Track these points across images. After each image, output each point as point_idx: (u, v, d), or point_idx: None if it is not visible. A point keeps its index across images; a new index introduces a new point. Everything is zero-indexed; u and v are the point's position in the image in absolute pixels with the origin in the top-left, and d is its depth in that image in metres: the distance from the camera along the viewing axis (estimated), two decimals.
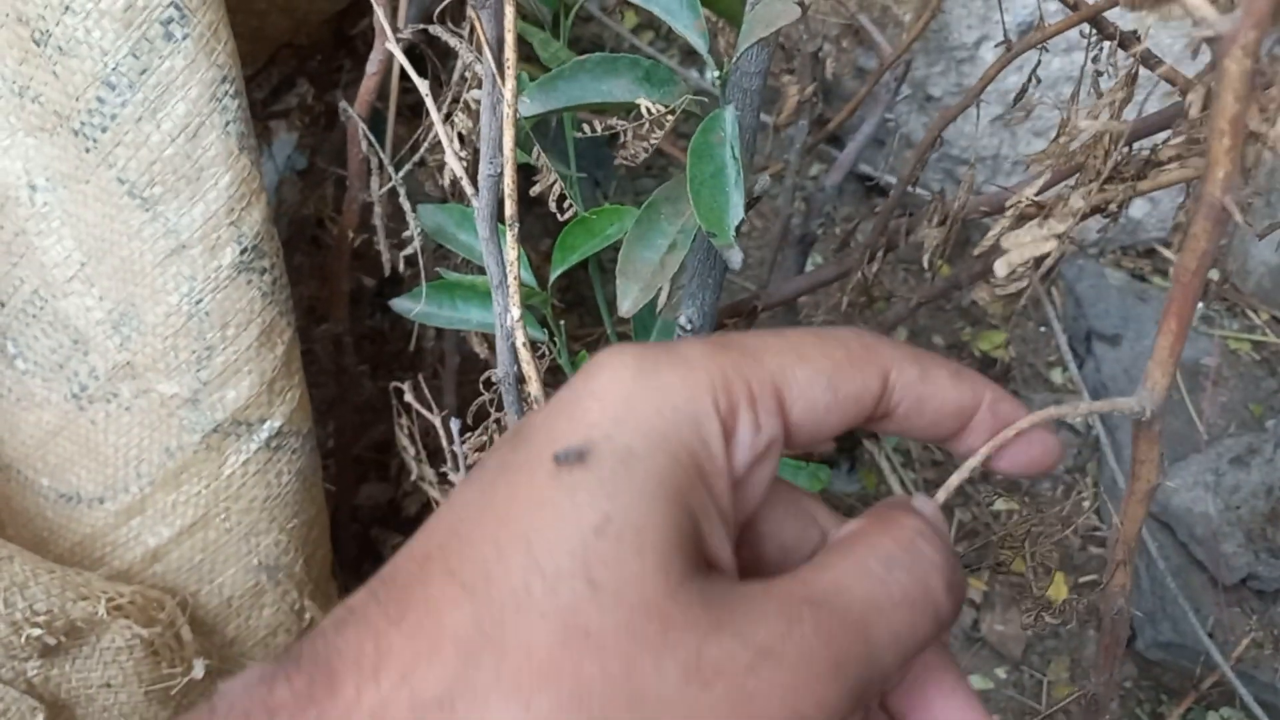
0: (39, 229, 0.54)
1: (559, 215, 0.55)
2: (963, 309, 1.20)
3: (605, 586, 0.25)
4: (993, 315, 1.20)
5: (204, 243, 0.53)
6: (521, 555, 0.25)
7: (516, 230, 0.45)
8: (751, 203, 0.52)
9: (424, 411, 0.65)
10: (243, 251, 0.54)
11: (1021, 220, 0.52)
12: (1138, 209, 1.20)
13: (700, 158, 0.45)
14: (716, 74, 0.47)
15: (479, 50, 0.44)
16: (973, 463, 0.31)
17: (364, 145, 0.69)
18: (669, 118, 0.46)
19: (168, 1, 0.49)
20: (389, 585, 0.26)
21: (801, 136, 0.86)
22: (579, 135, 0.52)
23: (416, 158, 0.66)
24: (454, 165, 0.49)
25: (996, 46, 0.62)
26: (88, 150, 0.51)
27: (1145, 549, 0.95)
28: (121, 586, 0.55)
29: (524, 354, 0.46)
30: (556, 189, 0.54)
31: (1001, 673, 0.99)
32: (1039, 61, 0.63)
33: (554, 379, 0.58)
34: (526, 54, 0.60)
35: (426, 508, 0.80)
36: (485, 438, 0.60)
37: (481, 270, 0.58)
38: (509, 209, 0.44)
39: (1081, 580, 1.02)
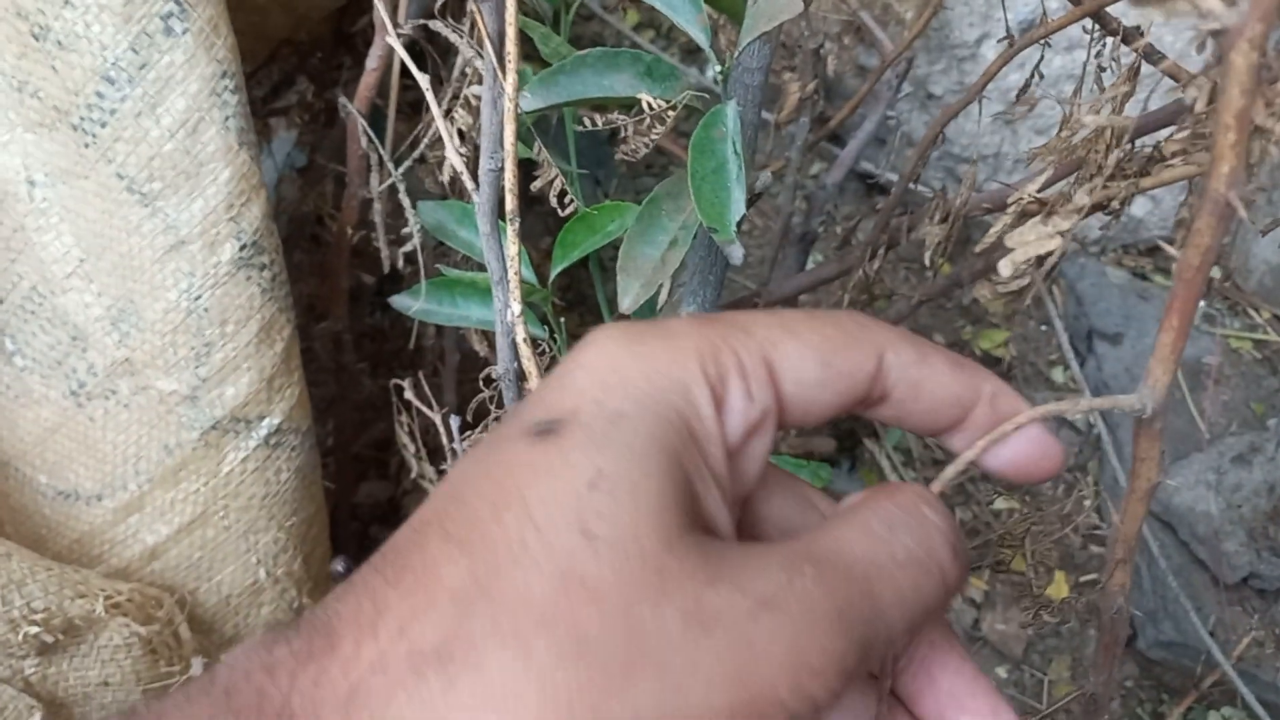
0: (38, 225, 0.54)
1: (560, 211, 0.55)
2: (964, 307, 1.20)
3: (600, 536, 0.25)
4: (994, 313, 1.20)
5: (203, 239, 0.53)
6: (516, 512, 0.25)
7: (517, 225, 0.44)
8: (752, 200, 0.52)
9: (424, 409, 0.65)
10: (242, 248, 0.53)
11: (1023, 218, 0.51)
12: (1139, 207, 1.20)
13: (702, 153, 0.45)
14: (718, 69, 0.46)
15: (480, 45, 0.44)
16: (969, 455, 0.31)
17: (363, 142, 0.69)
18: (670, 113, 0.46)
19: None
20: (387, 554, 0.26)
21: (803, 134, 0.86)
22: (579, 129, 0.51)
23: (416, 154, 0.66)
24: (454, 160, 0.49)
25: (998, 44, 0.62)
26: (87, 145, 0.51)
27: (1147, 548, 0.94)
28: (120, 584, 0.55)
29: (524, 350, 0.46)
30: (557, 184, 0.54)
31: (1002, 672, 0.99)
32: (1041, 58, 0.63)
33: None
34: (527, 51, 0.60)
35: None
36: (485, 435, 0.59)
37: (482, 267, 0.58)
38: (510, 204, 0.44)
39: (1083, 579, 1.02)
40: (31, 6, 0.49)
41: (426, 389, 0.65)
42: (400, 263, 0.69)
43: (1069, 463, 1.09)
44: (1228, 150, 0.24)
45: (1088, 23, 0.54)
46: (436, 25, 0.53)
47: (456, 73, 0.63)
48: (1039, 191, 0.51)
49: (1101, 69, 0.56)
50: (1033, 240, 0.35)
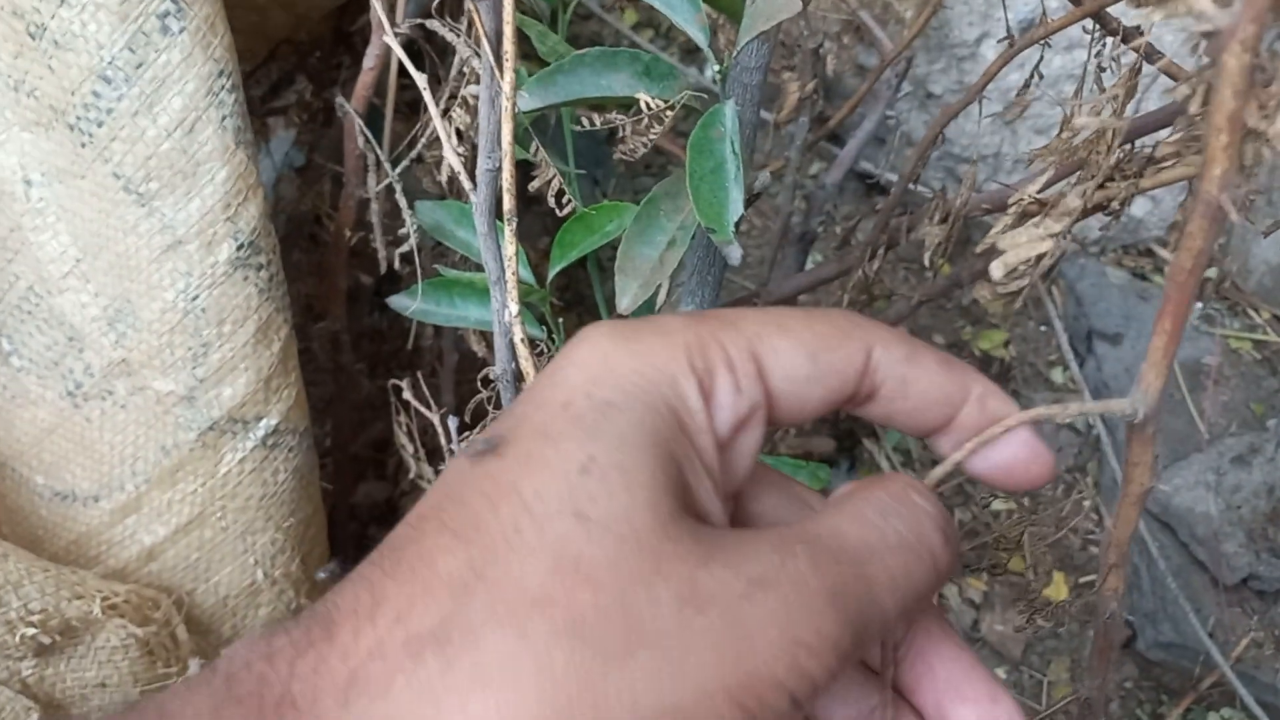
0: (34, 224, 0.54)
1: (558, 211, 0.55)
2: (963, 308, 1.20)
3: (594, 519, 0.25)
4: (993, 314, 1.20)
5: (200, 238, 0.52)
6: (511, 502, 0.25)
7: (515, 226, 0.44)
8: (751, 200, 0.52)
9: (422, 409, 0.64)
10: (239, 248, 0.53)
11: (1023, 218, 0.51)
12: (1139, 207, 1.20)
13: (700, 153, 0.45)
14: (717, 69, 0.46)
15: (477, 44, 0.44)
16: (958, 455, 0.31)
17: (360, 142, 0.69)
18: (668, 113, 0.45)
19: None
20: (385, 549, 0.27)
21: (802, 134, 0.85)
22: (577, 129, 0.51)
23: (414, 154, 0.66)
24: (452, 160, 0.48)
25: (998, 44, 0.62)
26: (83, 145, 0.51)
27: (1146, 549, 0.94)
28: (117, 585, 0.55)
29: (522, 350, 0.46)
30: (555, 184, 0.53)
31: (1001, 673, 0.98)
32: (1041, 59, 0.63)
33: None
34: (525, 50, 0.60)
35: None
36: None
37: (479, 268, 0.58)
38: (507, 204, 0.44)
39: (1082, 580, 1.02)
40: (28, 5, 0.49)
41: (425, 389, 0.65)
42: (398, 263, 0.69)
43: (1068, 464, 1.09)
44: (1220, 153, 0.24)
45: (1088, 22, 0.54)
46: (434, 24, 0.53)
47: (454, 72, 0.63)
48: (1039, 192, 0.51)
49: (1102, 69, 0.56)
50: (1024, 243, 0.34)
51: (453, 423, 0.60)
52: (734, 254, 0.43)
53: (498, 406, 0.58)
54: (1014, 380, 1.15)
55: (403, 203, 0.63)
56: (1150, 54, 0.50)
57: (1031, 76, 0.65)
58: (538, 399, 0.28)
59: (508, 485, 0.26)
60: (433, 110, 0.49)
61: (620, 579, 0.24)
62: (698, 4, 0.45)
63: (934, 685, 0.31)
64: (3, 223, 0.55)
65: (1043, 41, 0.57)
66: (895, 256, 1.19)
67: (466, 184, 0.48)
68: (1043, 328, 1.19)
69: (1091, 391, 1.09)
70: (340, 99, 0.68)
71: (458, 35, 0.52)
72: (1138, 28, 0.50)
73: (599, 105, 0.50)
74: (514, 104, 0.42)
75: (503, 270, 0.46)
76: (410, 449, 0.71)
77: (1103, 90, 0.53)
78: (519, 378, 0.49)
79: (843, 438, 1.08)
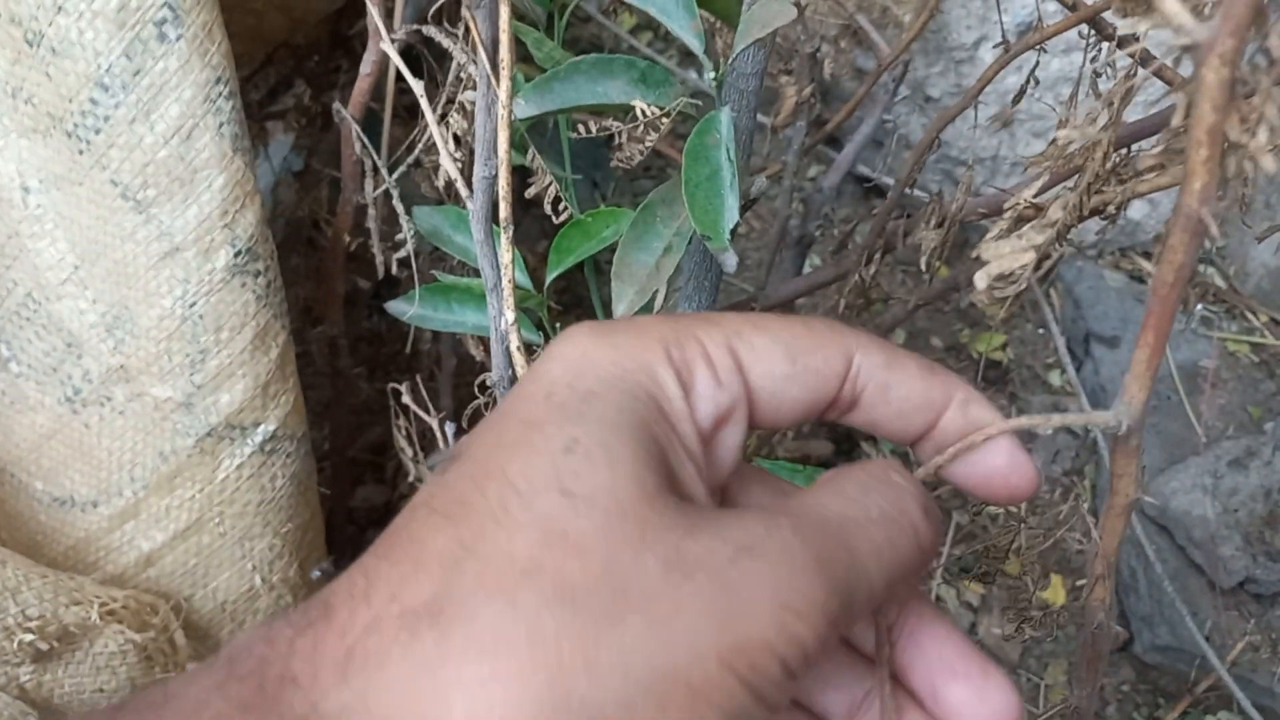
0: (32, 231, 0.54)
1: (554, 218, 0.55)
2: (961, 311, 1.20)
3: (579, 494, 0.25)
4: (991, 317, 1.20)
5: (197, 245, 0.52)
6: (498, 482, 0.26)
7: (511, 233, 0.44)
8: (748, 205, 0.52)
9: (421, 413, 0.64)
10: (236, 254, 0.53)
11: (1020, 222, 0.51)
12: (1137, 210, 1.20)
13: (695, 160, 0.45)
14: (713, 75, 0.46)
15: (474, 51, 0.44)
16: (939, 459, 0.31)
17: (358, 148, 0.69)
18: (664, 120, 0.46)
19: (161, 2, 0.49)
20: (381, 538, 0.27)
21: (799, 137, 0.85)
22: (575, 136, 0.51)
23: (412, 159, 0.66)
24: (449, 168, 0.48)
25: (995, 47, 0.62)
26: (81, 152, 0.51)
27: (1143, 552, 0.94)
28: (115, 591, 0.55)
29: (518, 358, 0.46)
30: (551, 191, 0.54)
31: None
32: (1037, 63, 0.63)
33: None
34: (523, 54, 0.60)
35: None
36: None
37: (477, 273, 0.58)
38: (503, 212, 0.44)
39: (1079, 583, 1.02)
40: (25, 12, 0.49)
41: (423, 393, 0.65)
42: (395, 268, 0.69)
43: (1065, 467, 1.09)
44: (1200, 166, 0.24)
45: (1084, 27, 0.54)
46: (430, 30, 0.53)
47: (451, 77, 0.63)
48: (1035, 196, 0.51)
49: (1098, 74, 0.56)
50: (1008, 254, 0.35)
51: (450, 428, 0.60)
52: (729, 262, 0.43)
53: None
54: (1011, 383, 1.15)
55: (400, 208, 0.64)
56: (1145, 59, 0.50)
57: (1028, 81, 0.65)
58: (521, 393, 0.29)
59: (494, 468, 0.26)
60: (429, 117, 0.49)
61: (608, 547, 0.25)
62: (693, 11, 0.45)
63: (926, 666, 0.31)
64: (1, 229, 0.55)
65: (1039, 46, 0.57)
66: (893, 259, 1.19)
67: (463, 191, 0.48)
68: (1040, 330, 1.19)
69: (1088, 394, 1.10)
70: (337, 105, 0.68)
71: (454, 41, 0.52)
72: (1134, 35, 0.50)
73: (597, 111, 0.50)
74: (510, 112, 0.42)
75: (499, 277, 0.46)
76: (409, 452, 0.71)
77: (1098, 95, 0.53)
78: (515, 384, 0.49)
79: (840, 440, 1.08)
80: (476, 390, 0.59)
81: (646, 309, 0.51)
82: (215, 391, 0.55)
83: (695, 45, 0.45)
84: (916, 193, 1.15)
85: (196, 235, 0.52)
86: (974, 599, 1.01)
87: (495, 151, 0.44)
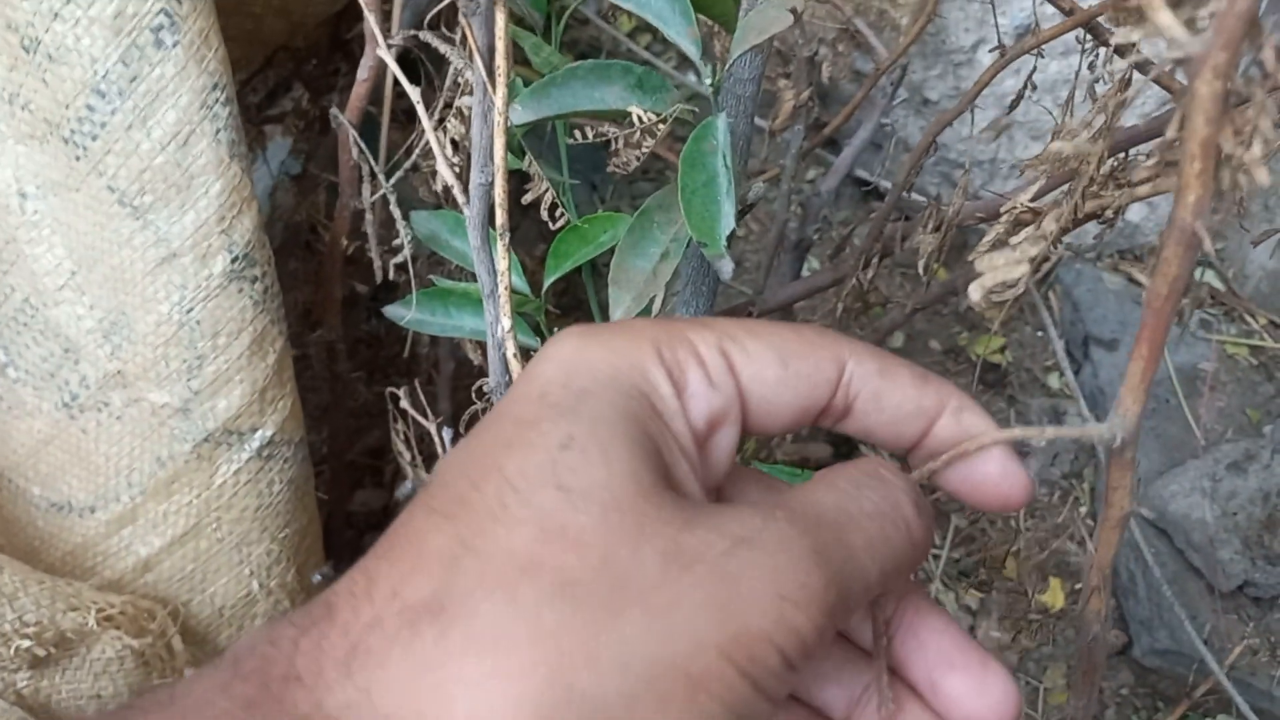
0: (30, 237, 0.54)
1: (550, 224, 0.55)
2: (959, 314, 1.20)
3: (575, 490, 0.26)
4: (989, 320, 1.20)
5: (195, 251, 0.52)
6: (495, 480, 0.26)
7: (507, 240, 0.44)
8: (745, 210, 0.52)
9: (419, 417, 0.64)
10: (234, 260, 0.53)
11: (1017, 226, 0.51)
12: (1136, 213, 1.20)
13: (692, 166, 0.45)
14: (710, 81, 0.46)
15: (470, 58, 0.44)
16: (932, 465, 0.31)
17: (355, 152, 0.69)
18: (660, 126, 0.46)
19: (158, 8, 0.49)
20: (381, 540, 0.28)
21: (798, 141, 0.85)
22: (572, 141, 0.51)
23: (409, 163, 0.66)
24: (445, 174, 0.48)
25: (993, 50, 0.62)
26: (78, 158, 0.51)
27: (1142, 556, 0.94)
28: (112, 597, 0.55)
29: (515, 366, 0.46)
30: (548, 197, 0.54)
31: None
32: (1035, 66, 0.63)
33: None
34: (521, 58, 0.60)
35: None
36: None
37: (475, 277, 0.58)
38: (499, 219, 0.44)
39: (1078, 586, 1.02)
40: (22, 19, 0.49)
41: (421, 397, 0.65)
42: (392, 272, 0.69)
43: (1064, 470, 1.09)
44: (1194, 179, 0.24)
45: (1081, 31, 0.54)
46: (427, 36, 0.53)
47: (448, 82, 0.63)
48: (1032, 200, 0.51)
49: (1096, 80, 0.56)
50: (1001, 265, 0.34)
51: (448, 433, 0.60)
52: (725, 268, 0.43)
53: None
54: (1010, 386, 1.15)
55: (397, 213, 0.64)
56: (1143, 66, 0.50)
57: (1025, 85, 0.65)
58: (516, 394, 0.29)
59: (491, 466, 0.27)
60: (426, 124, 0.49)
61: (606, 542, 0.25)
62: (690, 17, 0.45)
63: (924, 658, 0.31)
64: None
65: (1036, 50, 0.57)
66: (892, 262, 1.19)
67: (460, 197, 0.48)
68: (1039, 333, 1.19)
69: (1087, 397, 1.09)
70: (334, 110, 0.68)
71: (451, 47, 0.52)
72: (1132, 43, 0.50)
73: (594, 116, 0.50)
74: (506, 118, 0.42)
75: (495, 284, 0.46)
76: (407, 456, 0.71)
77: (1095, 99, 0.53)
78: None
79: (839, 444, 1.08)
80: (474, 395, 0.59)
81: (644, 314, 0.51)
82: (213, 397, 0.55)
83: (692, 51, 0.45)
84: (915, 196, 1.15)
85: (193, 241, 0.52)
86: (973, 602, 1.01)
87: (491, 158, 0.44)
